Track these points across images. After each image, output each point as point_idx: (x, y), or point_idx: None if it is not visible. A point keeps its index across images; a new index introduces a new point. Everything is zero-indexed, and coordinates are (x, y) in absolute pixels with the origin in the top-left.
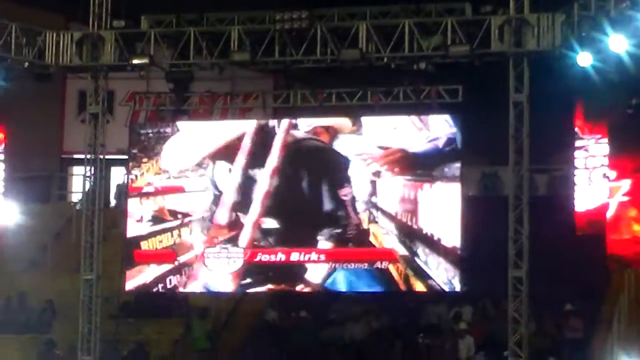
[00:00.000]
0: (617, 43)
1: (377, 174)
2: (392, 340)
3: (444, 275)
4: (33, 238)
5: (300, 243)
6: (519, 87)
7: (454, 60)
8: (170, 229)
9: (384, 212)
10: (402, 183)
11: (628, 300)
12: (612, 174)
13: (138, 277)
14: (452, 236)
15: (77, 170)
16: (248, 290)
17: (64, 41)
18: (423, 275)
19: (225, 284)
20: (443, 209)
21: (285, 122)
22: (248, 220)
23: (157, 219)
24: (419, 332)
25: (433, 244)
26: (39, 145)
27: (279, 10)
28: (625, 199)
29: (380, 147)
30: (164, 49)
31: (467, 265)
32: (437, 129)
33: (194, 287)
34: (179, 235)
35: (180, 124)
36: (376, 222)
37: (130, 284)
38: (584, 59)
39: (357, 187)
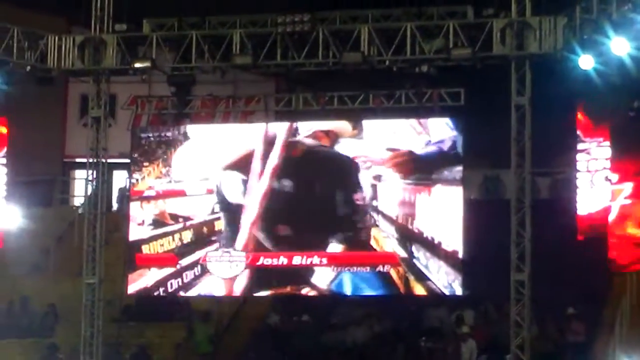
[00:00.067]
0: (619, 46)
1: (377, 177)
2: (394, 344)
3: (445, 279)
4: (35, 242)
5: (309, 247)
6: (521, 90)
7: (456, 63)
8: (172, 233)
9: (384, 216)
10: (402, 186)
11: (630, 304)
12: (614, 176)
13: (140, 281)
14: (453, 240)
15: (79, 174)
16: (253, 294)
17: (66, 45)
18: (423, 279)
19: (232, 287)
20: (444, 212)
21: (286, 124)
22: (245, 221)
23: (158, 222)
24: (421, 336)
25: (434, 248)
26: (41, 149)
27: (281, 14)
28: (628, 201)
29: (389, 149)
30: (166, 53)
31: (469, 269)
32: (437, 133)
33: (198, 290)
34: (180, 239)
35: (190, 130)
36: (377, 226)
37: (132, 288)
38: (586, 61)
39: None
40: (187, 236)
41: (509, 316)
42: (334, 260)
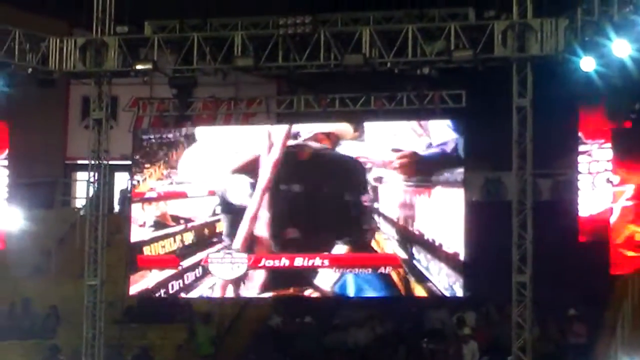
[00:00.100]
0: (621, 48)
1: (378, 179)
2: (395, 345)
3: (446, 281)
4: (37, 244)
5: (316, 249)
6: (522, 92)
7: (458, 65)
8: (173, 234)
9: (385, 218)
10: (403, 188)
11: (632, 306)
12: (616, 178)
13: (141, 282)
14: (453, 242)
15: (81, 176)
16: (255, 296)
17: (67, 47)
18: (424, 280)
19: (237, 289)
20: (446, 214)
21: (285, 127)
22: (244, 221)
23: (159, 224)
24: (422, 338)
25: (434, 250)
26: (42, 151)
27: (283, 16)
28: (629, 203)
29: (394, 150)
30: (168, 55)
31: (470, 271)
32: (437, 135)
33: (200, 291)
34: (182, 241)
35: (197, 133)
36: (378, 228)
37: (133, 289)
38: (587, 63)
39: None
40: (189, 238)
41: (510, 318)
42: (335, 262)
